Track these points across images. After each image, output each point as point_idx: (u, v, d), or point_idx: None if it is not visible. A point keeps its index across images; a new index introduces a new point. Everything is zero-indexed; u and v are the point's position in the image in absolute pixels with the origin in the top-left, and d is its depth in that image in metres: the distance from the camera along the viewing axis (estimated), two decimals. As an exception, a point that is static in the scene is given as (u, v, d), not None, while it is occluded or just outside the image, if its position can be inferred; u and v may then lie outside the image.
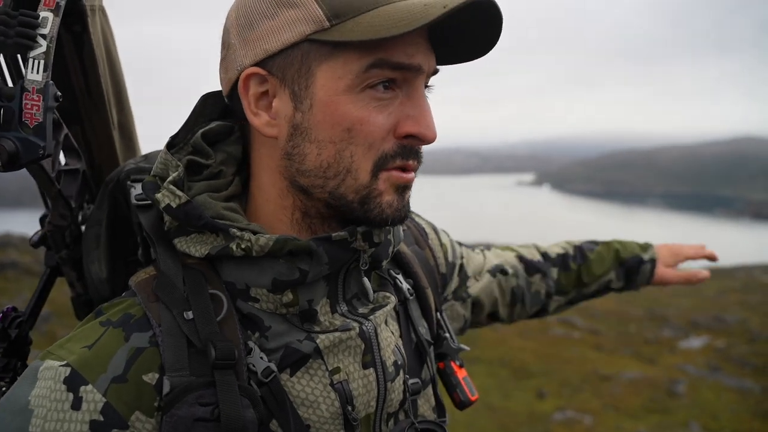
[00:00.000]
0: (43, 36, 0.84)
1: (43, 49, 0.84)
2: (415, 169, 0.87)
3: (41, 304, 1.18)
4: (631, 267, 1.46)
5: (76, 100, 1.13)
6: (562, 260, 1.45)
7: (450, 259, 1.21)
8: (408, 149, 0.84)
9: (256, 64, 0.82)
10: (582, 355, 10.63)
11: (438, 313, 1.08)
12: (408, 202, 0.88)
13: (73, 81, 1.10)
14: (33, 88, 0.83)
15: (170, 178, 0.83)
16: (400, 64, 0.79)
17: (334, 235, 0.83)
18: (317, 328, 0.86)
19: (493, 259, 1.36)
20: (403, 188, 0.85)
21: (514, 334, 11.49)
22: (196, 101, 0.92)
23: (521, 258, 1.41)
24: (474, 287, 1.27)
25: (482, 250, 1.36)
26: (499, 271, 1.34)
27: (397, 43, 0.79)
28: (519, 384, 9.25)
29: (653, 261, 1.47)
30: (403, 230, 1.11)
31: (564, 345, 11.12)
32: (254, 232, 0.82)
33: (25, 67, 0.83)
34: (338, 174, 0.82)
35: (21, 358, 1.08)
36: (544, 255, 1.45)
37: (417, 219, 1.20)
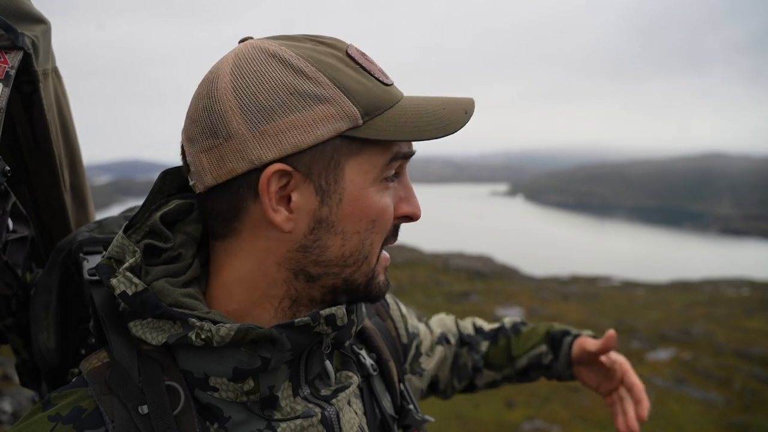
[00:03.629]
0: None
1: None
2: None
3: None
4: (555, 336, 1.39)
5: (24, 161, 1.06)
6: (494, 334, 1.42)
7: (410, 330, 1.22)
8: (397, 229, 0.88)
9: (280, 160, 0.77)
10: (551, 365, 10.70)
11: (401, 384, 1.07)
12: None
13: (21, 141, 1.04)
14: None
15: (126, 264, 0.79)
16: (407, 154, 0.84)
17: (296, 321, 0.80)
18: (278, 415, 0.83)
19: (436, 328, 1.36)
20: (386, 268, 0.90)
21: (485, 343, 11.53)
22: (156, 179, 0.88)
23: (457, 327, 1.41)
24: (428, 363, 1.26)
25: (426, 322, 1.35)
26: (444, 339, 1.34)
27: None
28: (489, 394, 9.27)
29: (578, 336, 1.38)
30: None
31: (534, 355, 11.18)
32: (214, 322, 0.78)
33: None
34: (357, 261, 0.83)
35: None
36: (478, 329, 1.44)
37: None
